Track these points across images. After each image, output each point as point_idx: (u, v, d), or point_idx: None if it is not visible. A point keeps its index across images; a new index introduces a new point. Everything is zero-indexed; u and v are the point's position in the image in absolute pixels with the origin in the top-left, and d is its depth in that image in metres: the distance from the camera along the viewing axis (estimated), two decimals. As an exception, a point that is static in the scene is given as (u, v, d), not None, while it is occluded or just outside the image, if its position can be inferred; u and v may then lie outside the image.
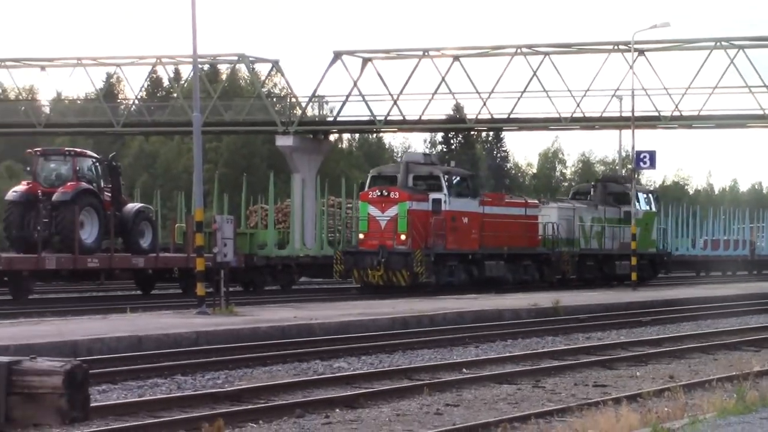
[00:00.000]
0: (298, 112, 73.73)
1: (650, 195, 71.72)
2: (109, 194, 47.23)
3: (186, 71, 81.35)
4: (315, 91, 74.00)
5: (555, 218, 61.70)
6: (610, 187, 69.05)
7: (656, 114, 67.87)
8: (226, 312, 35.38)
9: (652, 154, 64.98)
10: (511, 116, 69.81)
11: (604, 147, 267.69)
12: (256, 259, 54.84)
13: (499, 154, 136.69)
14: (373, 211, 51.57)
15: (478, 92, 69.59)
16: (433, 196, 52.06)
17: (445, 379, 23.14)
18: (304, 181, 69.09)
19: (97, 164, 48.06)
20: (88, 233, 45.72)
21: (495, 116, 70.41)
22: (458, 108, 78.09)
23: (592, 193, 68.61)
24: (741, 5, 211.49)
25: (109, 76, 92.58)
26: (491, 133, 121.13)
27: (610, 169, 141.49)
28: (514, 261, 57.57)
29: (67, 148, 53.26)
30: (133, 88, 78.85)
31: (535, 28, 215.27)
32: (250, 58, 75.93)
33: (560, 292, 50.69)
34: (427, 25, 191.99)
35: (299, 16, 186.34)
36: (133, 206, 49.68)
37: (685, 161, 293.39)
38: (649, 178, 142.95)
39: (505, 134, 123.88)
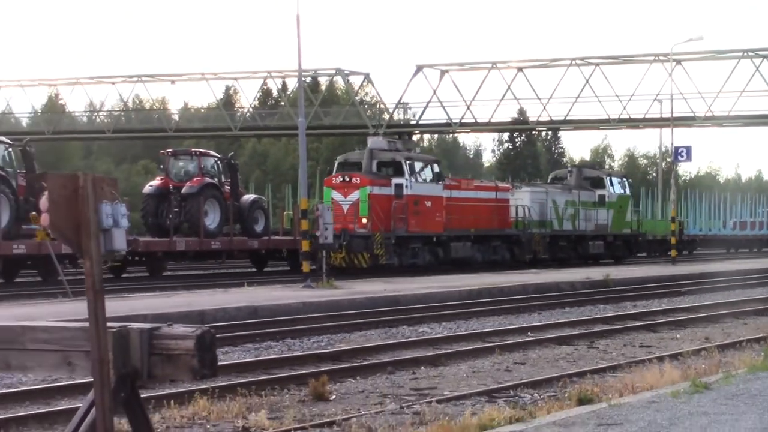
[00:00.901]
0: (386, 116, 73.95)
1: (624, 179, 66.88)
2: (228, 187, 47.52)
3: (292, 83, 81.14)
4: (400, 98, 74.43)
5: (527, 201, 56.68)
6: (585, 172, 64.44)
7: (692, 114, 67.19)
8: (327, 286, 35.48)
9: (688, 149, 65.73)
10: (567, 118, 69.49)
11: (646, 143, 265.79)
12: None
13: (556, 150, 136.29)
14: (337, 195, 46.65)
15: (538, 98, 69.41)
16: (395, 181, 47.20)
17: (513, 341, 23.13)
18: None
19: (218, 162, 48.44)
20: (212, 220, 46.13)
21: (553, 118, 70.18)
22: (522, 111, 77.68)
23: (568, 178, 63.75)
24: (766, 19, 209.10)
25: (228, 88, 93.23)
26: (550, 133, 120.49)
27: (651, 162, 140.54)
28: (483, 242, 52.80)
29: (193, 149, 53.73)
30: (247, 98, 79.74)
31: (588, 41, 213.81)
32: (345, 72, 76.20)
33: (608, 267, 50.51)
34: (494, 40, 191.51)
35: (387, 35, 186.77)
36: (248, 197, 50.06)
37: (717, 155, 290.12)
38: (686, 170, 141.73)
39: (561, 133, 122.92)
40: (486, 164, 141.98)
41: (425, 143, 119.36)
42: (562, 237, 58.91)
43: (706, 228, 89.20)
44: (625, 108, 67.42)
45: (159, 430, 12.90)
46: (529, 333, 24.91)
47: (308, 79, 77.49)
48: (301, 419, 13.91)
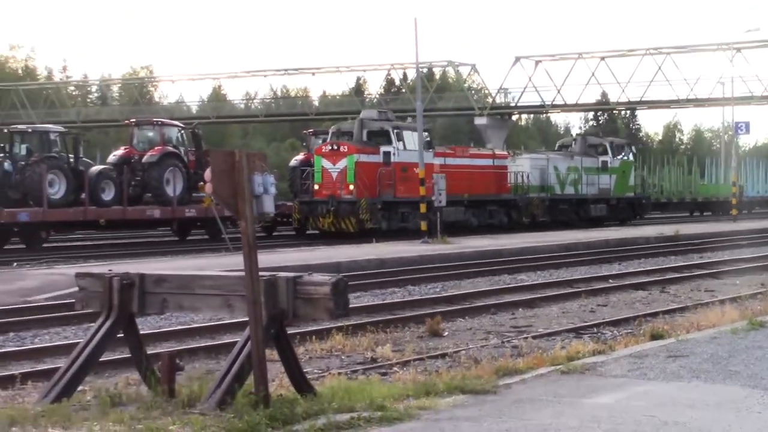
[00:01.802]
0: (489, 100, 73.69)
1: (627, 146, 59.31)
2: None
3: (411, 74, 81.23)
4: (501, 84, 74.18)
5: (527, 168, 50.52)
6: (589, 140, 57.97)
7: (750, 94, 65.91)
8: (441, 241, 35.51)
9: (747, 124, 65.79)
10: (643, 99, 68.67)
11: (711, 119, 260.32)
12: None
13: (633, 127, 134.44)
14: (326, 163, 41.22)
15: (618, 82, 68.63)
16: (383, 149, 41.67)
17: (596, 287, 22.99)
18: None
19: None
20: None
21: (631, 99, 69.41)
22: (604, 94, 76.61)
23: (573, 145, 57.31)
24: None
25: (358, 78, 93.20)
26: (628, 112, 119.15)
27: (715, 135, 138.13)
28: (478, 206, 46.61)
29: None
30: (374, 86, 79.90)
31: (660, 32, 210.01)
32: (456, 63, 76.15)
33: (678, 224, 49.85)
34: (580, 32, 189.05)
35: (490, 30, 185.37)
36: None
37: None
38: (745, 141, 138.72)
39: (638, 112, 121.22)
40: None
41: (522, 122, 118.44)
42: (563, 201, 52.68)
43: (763, 190, 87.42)
44: (692, 89, 66.32)
45: (303, 360, 13.07)
46: (610, 280, 24.75)
47: (424, 70, 76.98)
48: (419, 351, 14.02)
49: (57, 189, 37.11)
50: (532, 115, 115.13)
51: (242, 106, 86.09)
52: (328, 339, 14.67)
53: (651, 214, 65.31)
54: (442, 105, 76.15)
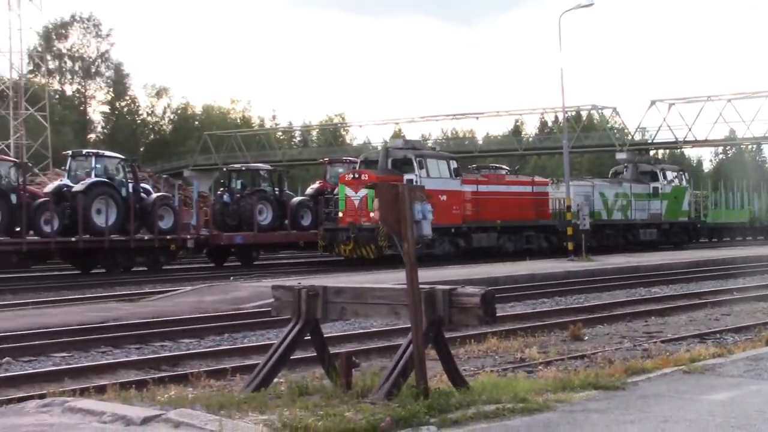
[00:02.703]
0: (629, 137, 72.38)
1: (681, 173, 53.17)
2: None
3: (561, 116, 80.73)
4: (639, 123, 72.74)
5: (570, 195, 42.53)
6: (641, 167, 51.46)
7: None
8: (585, 259, 35.02)
9: None
10: (767, 135, 66.40)
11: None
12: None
13: (759, 159, 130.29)
14: (349, 192, 36.07)
15: (743, 120, 66.51)
16: (407, 177, 35.43)
17: (721, 298, 22.25)
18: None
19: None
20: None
21: (755, 135, 67.11)
22: (731, 131, 74.23)
23: (624, 172, 51.33)
24: None
25: (516, 121, 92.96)
26: (754, 146, 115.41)
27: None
28: (515, 232, 40.58)
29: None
30: (530, 127, 79.75)
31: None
32: (599, 107, 75.21)
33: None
34: (708, 76, 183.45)
35: (630, 77, 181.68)
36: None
37: None
38: None
39: (764, 146, 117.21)
40: (706, 170, 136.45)
41: (659, 155, 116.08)
42: (609, 226, 46.52)
43: None
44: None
45: (462, 359, 13.05)
46: (734, 292, 23.91)
47: (572, 113, 76.15)
48: (561, 353, 13.83)
49: (265, 216, 38.20)
50: (667, 151, 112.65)
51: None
52: (484, 342, 14.60)
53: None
54: (588, 142, 75.24)
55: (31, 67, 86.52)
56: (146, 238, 33.97)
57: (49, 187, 34.28)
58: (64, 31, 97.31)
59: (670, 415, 8.00)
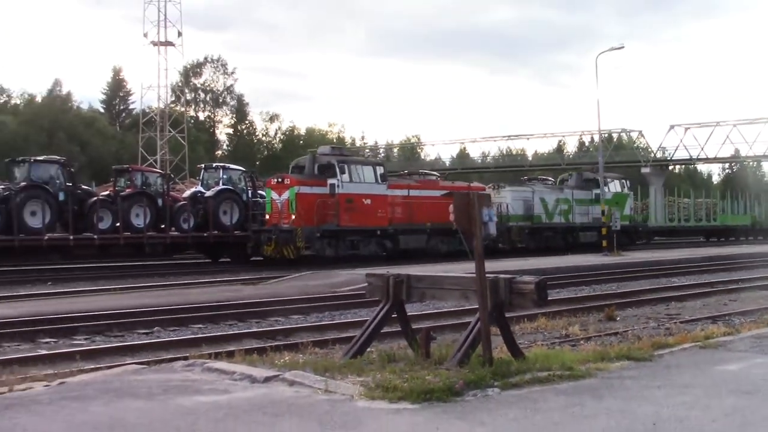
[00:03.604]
0: (652, 155, 71.11)
1: (623, 181, 47.69)
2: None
3: (596, 138, 79.64)
4: (660, 144, 71.51)
5: (509, 199, 40.08)
6: (584, 175, 46.47)
7: None
8: (616, 254, 34.54)
9: None
10: (766, 153, 64.67)
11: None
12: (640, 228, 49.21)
13: (759, 173, 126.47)
14: (274, 195, 31.55)
15: (746, 141, 65.03)
16: (330, 181, 31.45)
17: (730, 287, 21.76)
18: (655, 190, 66.83)
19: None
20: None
21: (756, 154, 65.55)
22: (736, 150, 72.32)
23: (569, 180, 46.34)
24: None
25: (559, 141, 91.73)
26: (756, 162, 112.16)
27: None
28: (444, 234, 34.10)
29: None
30: (570, 146, 78.95)
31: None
32: (628, 130, 74.41)
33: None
34: (717, 102, 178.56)
35: (654, 106, 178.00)
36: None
37: None
38: None
39: (764, 163, 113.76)
40: (715, 182, 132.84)
41: (676, 170, 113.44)
42: (548, 228, 41.66)
43: None
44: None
45: (517, 335, 12.96)
46: (740, 282, 23.37)
47: (606, 134, 75.04)
48: (598, 330, 13.69)
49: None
50: (683, 166, 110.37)
51: (479, 161, 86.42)
52: (535, 321, 14.51)
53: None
54: (618, 159, 74.18)
55: (173, 99, 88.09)
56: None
57: (187, 193, 35.16)
58: (198, 70, 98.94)
59: (690, 381, 7.89)
